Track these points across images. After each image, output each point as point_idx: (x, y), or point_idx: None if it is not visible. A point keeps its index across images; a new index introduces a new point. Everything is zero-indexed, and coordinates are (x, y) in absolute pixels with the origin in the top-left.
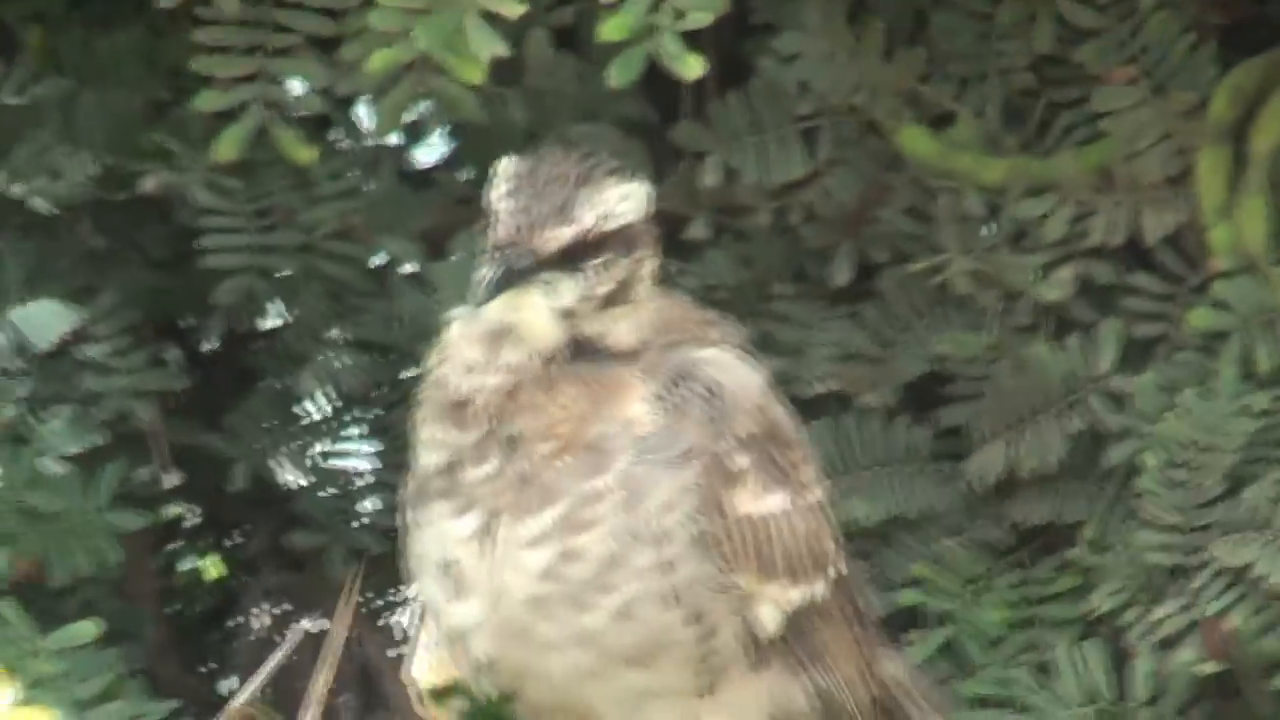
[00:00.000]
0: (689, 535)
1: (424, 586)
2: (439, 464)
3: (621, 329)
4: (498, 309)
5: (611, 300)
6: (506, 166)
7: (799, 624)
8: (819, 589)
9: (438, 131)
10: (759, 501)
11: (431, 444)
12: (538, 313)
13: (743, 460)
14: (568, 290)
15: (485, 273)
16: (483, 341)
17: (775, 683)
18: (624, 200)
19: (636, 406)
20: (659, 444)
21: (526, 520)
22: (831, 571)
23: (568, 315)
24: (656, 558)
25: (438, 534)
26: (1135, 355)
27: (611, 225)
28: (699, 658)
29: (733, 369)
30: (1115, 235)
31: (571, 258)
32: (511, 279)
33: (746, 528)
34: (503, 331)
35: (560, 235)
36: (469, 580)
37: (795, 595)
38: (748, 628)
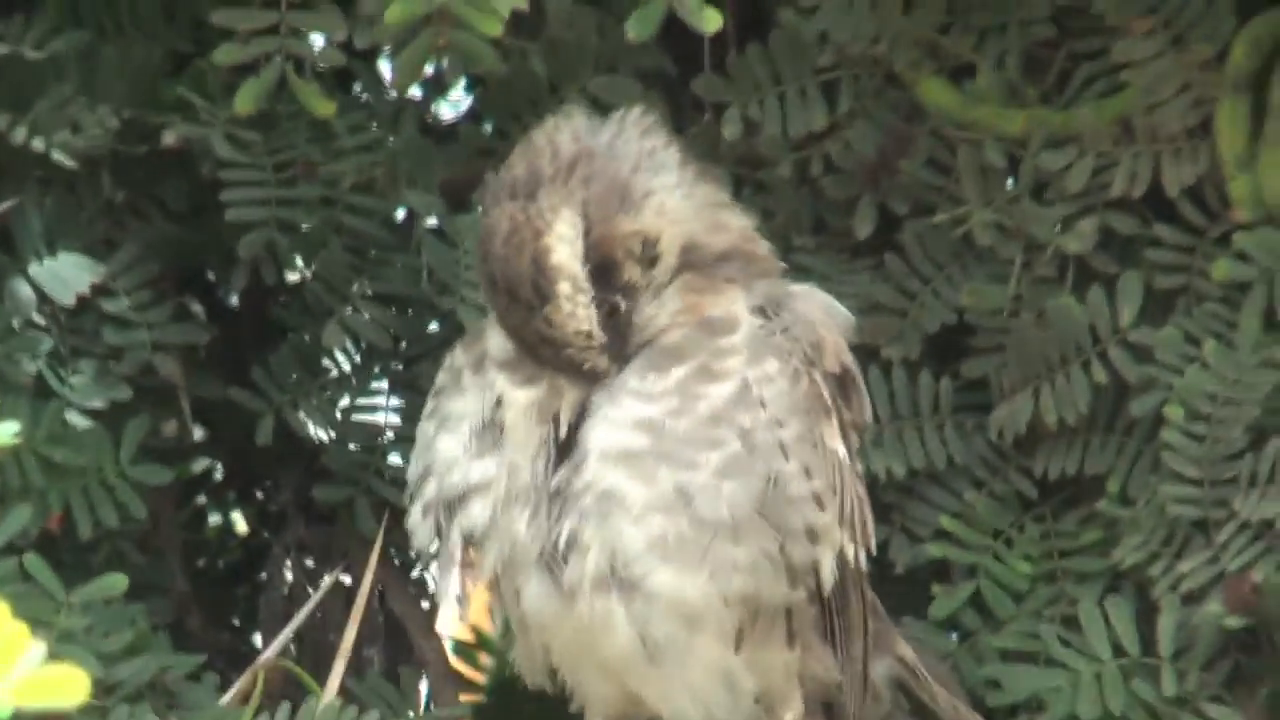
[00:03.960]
0: (807, 428)
1: (436, 447)
2: (501, 352)
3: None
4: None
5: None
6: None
7: (842, 588)
8: (863, 557)
9: (458, 84)
10: (837, 443)
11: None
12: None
13: (829, 397)
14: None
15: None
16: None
17: (804, 652)
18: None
19: (742, 309)
20: (762, 336)
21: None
22: (870, 543)
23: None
24: (777, 432)
25: (489, 397)
26: (1157, 307)
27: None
28: (784, 579)
29: (822, 307)
30: (1136, 187)
31: None
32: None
33: (831, 464)
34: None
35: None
36: (512, 439)
37: (849, 554)
38: (816, 570)
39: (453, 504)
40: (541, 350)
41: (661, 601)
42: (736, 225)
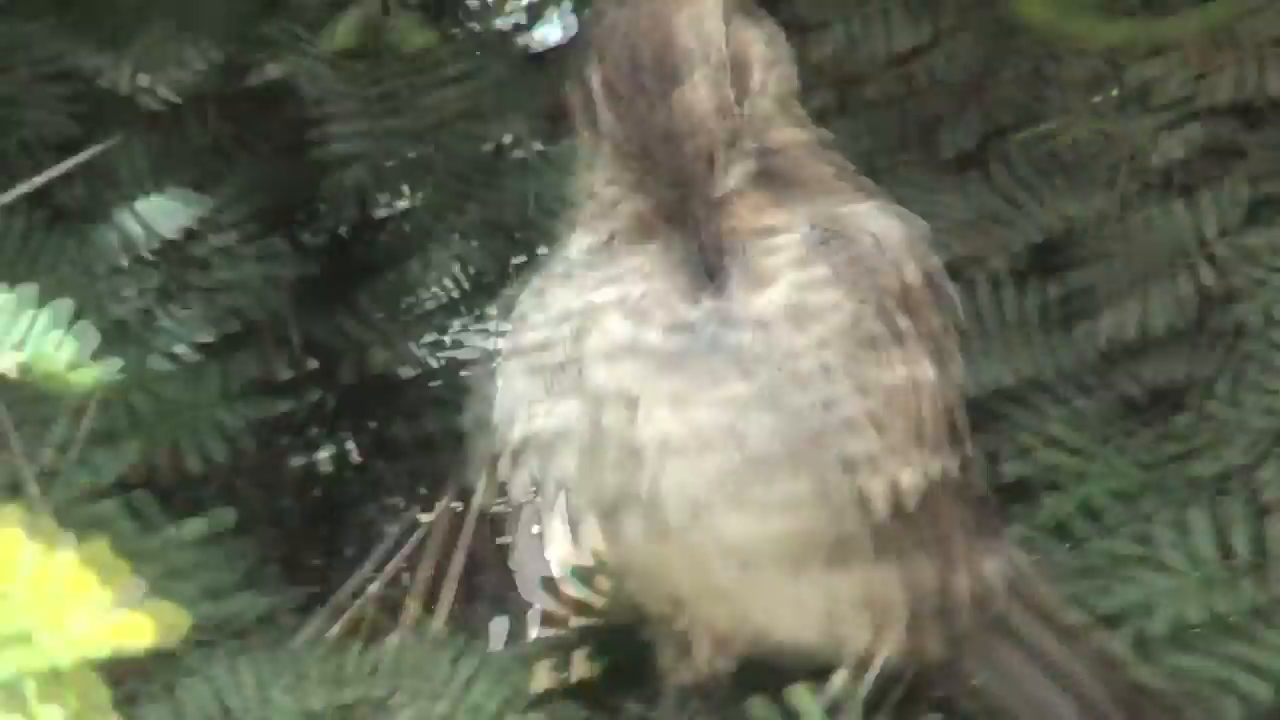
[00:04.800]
0: (861, 351)
1: (516, 388)
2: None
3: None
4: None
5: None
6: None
7: (929, 503)
8: (953, 466)
9: (556, 12)
10: (911, 364)
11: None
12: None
13: (898, 319)
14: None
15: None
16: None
17: (898, 563)
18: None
19: (793, 231)
20: (820, 251)
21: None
22: (961, 454)
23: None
24: (824, 355)
25: (569, 324)
26: (1259, 213)
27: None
28: (838, 500)
29: (892, 223)
30: (1235, 94)
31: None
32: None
33: (897, 387)
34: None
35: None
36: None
37: (934, 468)
38: (891, 492)
39: (542, 450)
40: (659, 152)
41: (737, 541)
42: (812, 131)
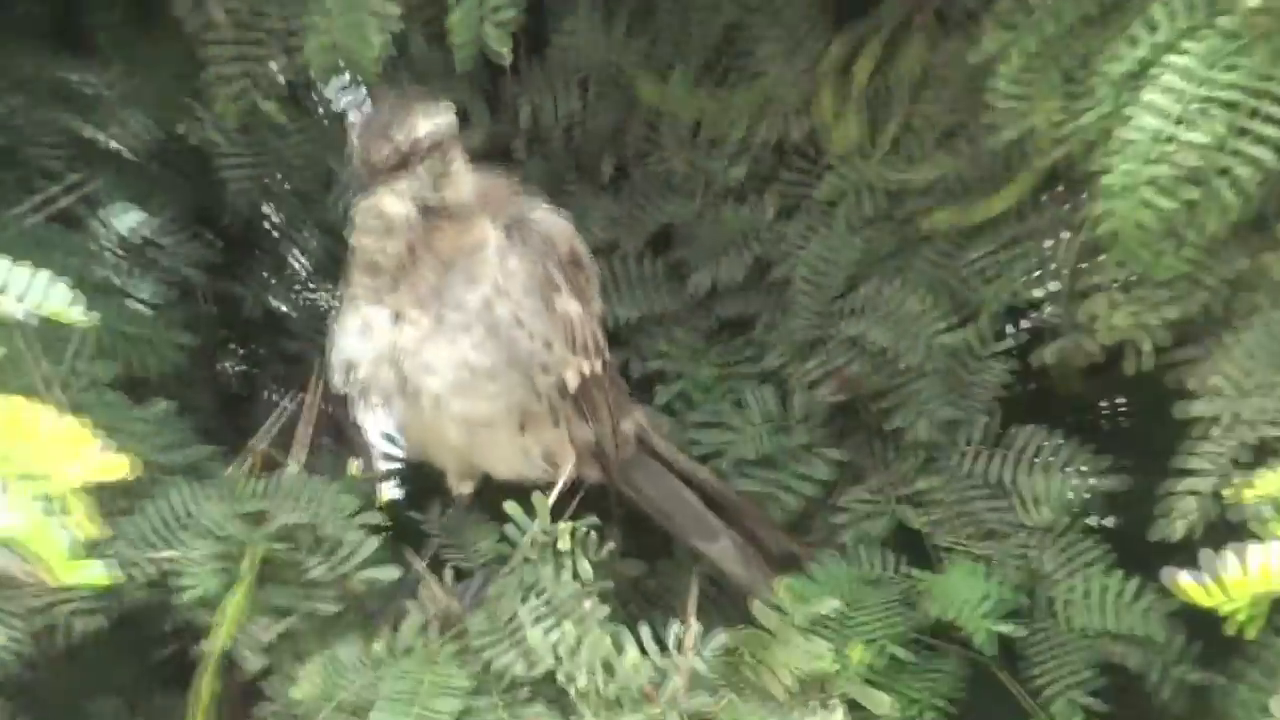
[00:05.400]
0: (533, 296)
1: (341, 343)
2: (365, 292)
3: (462, 194)
4: (365, 204)
5: (438, 184)
6: (351, 117)
7: (584, 389)
8: (597, 366)
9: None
10: (568, 304)
11: (360, 281)
12: (388, 200)
13: (559, 276)
14: (405, 182)
15: (352, 184)
16: (374, 221)
17: (568, 426)
18: (435, 119)
19: (491, 233)
20: (507, 246)
21: (427, 300)
22: (602, 359)
23: (421, 197)
24: (515, 308)
25: (359, 316)
26: (789, 213)
27: (428, 135)
28: (531, 390)
29: (552, 219)
30: (769, 136)
31: (406, 162)
32: (365, 185)
33: (561, 319)
34: (379, 216)
35: (393, 147)
36: (376, 333)
37: (585, 367)
38: (558, 379)
39: (350, 367)
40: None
41: (468, 418)
42: (486, 179)
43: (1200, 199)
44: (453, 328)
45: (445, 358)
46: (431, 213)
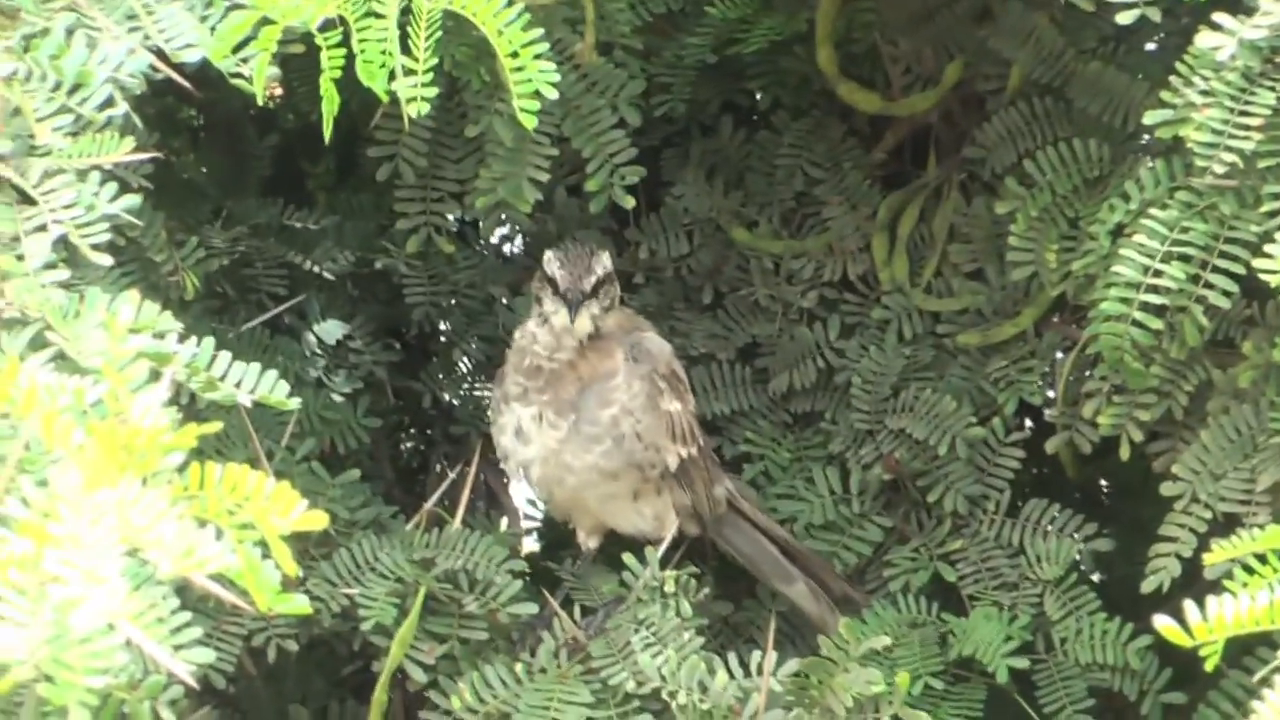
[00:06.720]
0: (649, 406)
1: (501, 441)
2: (518, 390)
3: (609, 323)
4: (576, 321)
5: (607, 310)
6: (550, 255)
7: (683, 468)
8: (693, 450)
9: (519, 238)
10: (670, 404)
11: (515, 379)
12: (585, 319)
13: (663, 384)
14: (596, 307)
15: (560, 306)
16: (555, 336)
17: (671, 495)
18: (606, 262)
19: (621, 363)
20: (632, 370)
21: (565, 408)
22: (696, 444)
23: (595, 319)
24: (634, 424)
25: (514, 415)
26: (851, 332)
27: (604, 273)
28: (642, 477)
29: (658, 343)
30: (837, 274)
31: (594, 292)
32: (575, 305)
33: (665, 416)
34: (568, 330)
35: (590, 281)
36: (525, 434)
37: (683, 452)
38: (663, 465)
39: (507, 456)
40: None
41: (599, 491)
42: (624, 312)
43: (1177, 324)
44: (587, 438)
45: (582, 462)
46: (597, 334)
